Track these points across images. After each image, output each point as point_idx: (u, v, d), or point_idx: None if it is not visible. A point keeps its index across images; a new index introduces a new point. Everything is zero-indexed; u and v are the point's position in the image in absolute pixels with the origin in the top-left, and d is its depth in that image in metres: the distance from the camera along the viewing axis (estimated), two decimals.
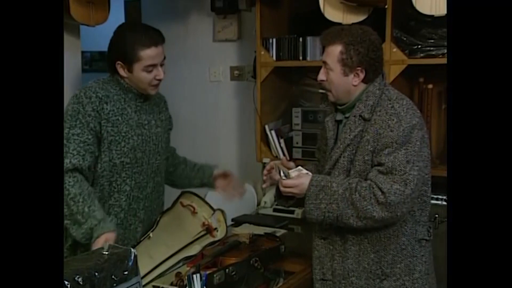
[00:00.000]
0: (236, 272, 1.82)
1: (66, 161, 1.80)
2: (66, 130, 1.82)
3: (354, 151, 1.78)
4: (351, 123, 1.79)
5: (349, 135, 1.78)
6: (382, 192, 1.68)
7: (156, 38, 1.90)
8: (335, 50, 1.77)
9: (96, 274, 1.33)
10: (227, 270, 1.80)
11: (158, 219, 2.02)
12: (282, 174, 1.84)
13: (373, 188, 1.70)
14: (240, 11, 3.07)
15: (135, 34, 1.88)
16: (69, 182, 1.80)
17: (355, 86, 1.79)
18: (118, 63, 1.90)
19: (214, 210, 2.13)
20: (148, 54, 1.87)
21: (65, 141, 1.81)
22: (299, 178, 1.82)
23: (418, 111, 1.80)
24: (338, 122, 1.87)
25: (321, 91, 2.29)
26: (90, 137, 1.85)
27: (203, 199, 2.14)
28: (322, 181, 1.78)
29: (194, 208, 2.09)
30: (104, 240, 1.77)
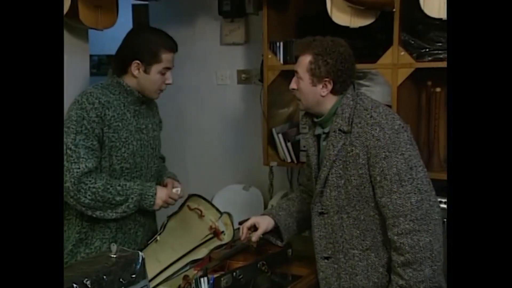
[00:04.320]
0: (243, 275, 1.82)
1: (81, 165, 1.82)
2: (72, 136, 1.83)
3: (341, 166, 1.78)
4: (333, 138, 1.79)
5: (333, 151, 1.78)
6: (404, 218, 1.67)
7: (174, 44, 1.99)
8: (305, 60, 1.80)
9: (105, 277, 1.34)
10: (234, 273, 1.80)
11: (165, 222, 2.03)
12: None
13: (395, 243, 1.70)
14: (248, 14, 3.07)
15: (159, 37, 1.97)
16: (91, 181, 1.84)
17: (323, 96, 1.81)
18: (135, 63, 1.93)
19: (221, 213, 2.13)
20: (168, 57, 1.96)
21: (73, 147, 1.82)
22: None
23: (397, 115, 1.81)
24: (317, 136, 1.88)
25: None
26: (95, 142, 1.86)
27: (210, 203, 2.15)
28: None
29: (201, 212, 2.09)
30: (164, 193, 1.96)
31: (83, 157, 1.83)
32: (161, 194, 1.97)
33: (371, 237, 1.79)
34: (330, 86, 1.80)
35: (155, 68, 1.94)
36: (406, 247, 1.67)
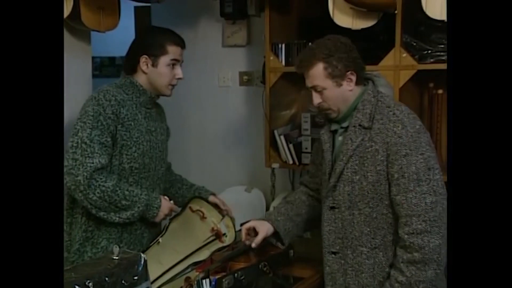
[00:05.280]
0: (245, 276, 1.82)
1: (95, 160, 1.83)
2: (88, 131, 1.84)
3: (357, 162, 1.77)
4: (352, 133, 1.78)
5: (351, 146, 1.77)
6: (417, 217, 1.66)
7: (181, 41, 2.04)
8: (318, 69, 1.78)
9: (107, 279, 1.34)
10: (236, 274, 1.80)
11: (167, 224, 2.03)
12: None
13: (404, 242, 1.68)
14: (249, 16, 3.08)
15: (164, 32, 2.03)
16: (101, 179, 1.85)
17: (350, 91, 1.80)
18: (143, 57, 1.97)
19: (223, 215, 2.13)
20: (175, 49, 2.00)
21: (88, 141, 1.84)
22: None
23: (417, 116, 1.80)
24: (333, 132, 1.87)
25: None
26: (109, 139, 1.88)
27: (212, 205, 2.15)
28: None
29: (203, 214, 2.09)
30: (167, 206, 1.96)
31: (97, 153, 1.84)
32: (164, 207, 1.98)
33: (381, 235, 1.78)
34: (354, 78, 1.79)
35: (163, 60, 1.97)
36: (416, 247, 1.66)
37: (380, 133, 1.73)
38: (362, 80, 1.82)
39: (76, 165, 1.82)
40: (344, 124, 1.83)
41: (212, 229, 2.08)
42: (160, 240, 1.96)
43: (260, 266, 1.90)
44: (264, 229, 1.98)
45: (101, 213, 1.88)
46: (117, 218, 1.90)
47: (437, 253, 1.65)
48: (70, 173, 1.83)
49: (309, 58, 1.80)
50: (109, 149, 1.88)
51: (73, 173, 1.82)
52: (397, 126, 1.72)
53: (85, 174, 1.81)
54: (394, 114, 1.74)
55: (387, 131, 1.72)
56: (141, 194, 1.92)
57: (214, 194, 2.25)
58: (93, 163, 1.82)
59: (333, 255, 1.86)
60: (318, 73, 1.78)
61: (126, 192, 1.88)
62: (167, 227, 2.01)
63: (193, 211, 2.08)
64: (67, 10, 2.27)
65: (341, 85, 1.78)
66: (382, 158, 1.73)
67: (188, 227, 2.07)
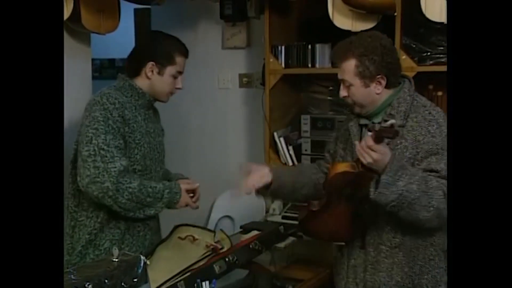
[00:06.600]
0: (238, 258, 1.83)
1: (117, 164, 1.84)
2: (102, 137, 1.84)
3: None
4: None
5: None
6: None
7: (187, 50, 2.06)
8: (350, 65, 1.75)
9: (106, 281, 1.34)
10: (227, 258, 1.80)
11: (154, 248, 1.96)
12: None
13: (441, 182, 1.65)
14: (249, 18, 3.08)
15: (173, 41, 2.04)
16: (127, 181, 1.86)
17: (378, 94, 1.77)
18: (150, 63, 1.97)
19: (214, 232, 2.09)
20: (181, 61, 2.02)
21: (105, 147, 1.84)
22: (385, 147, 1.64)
23: None
24: (362, 126, 1.84)
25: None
26: (121, 141, 1.89)
27: (201, 227, 2.09)
28: (401, 160, 1.68)
29: (193, 237, 2.02)
30: (184, 201, 2.00)
31: (117, 156, 1.85)
32: (184, 195, 2.00)
33: (401, 235, 1.75)
34: (384, 82, 1.76)
35: (169, 71, 1.99)
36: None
37: (413, 130, 1.72)
38: (395, 83, 1.79)
39: (100, 172, 1.82)
40: (376, 120, 1.80)
41: (206, 246, 1.96)
42: (147, 262, 1.86)
43: (251, 245, 1.90)
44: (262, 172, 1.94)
45: (130, 214, 1.91)
46: (142, 215, 1.93)
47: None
48: (96, 181, 1.83)
49: (344, 51, 1.77)
50: (123, 151, 1.90)
51: (99, 181, 1.82)
52: (432, 125, 1.70)
53: (112, 179, 1.82)
54: (430, 113, 1.73)
55: (421, 129, 1.71)
56: (163, 190, 1.95)
57: (187, 178, 2.18)
58: (115, 167, 1.83)
59: (359, 249, 1.84)
60: (349, 69, 1.75)
61: (150, 189, 1.91)
62: (154, 251, 1.93)
63: (183, 239, 2.02)
64: (67, 12, 2.27)
65: (368, 86, 1.76)
66: (410, 156, 1.71)
67: (180, 250, 1.98)
